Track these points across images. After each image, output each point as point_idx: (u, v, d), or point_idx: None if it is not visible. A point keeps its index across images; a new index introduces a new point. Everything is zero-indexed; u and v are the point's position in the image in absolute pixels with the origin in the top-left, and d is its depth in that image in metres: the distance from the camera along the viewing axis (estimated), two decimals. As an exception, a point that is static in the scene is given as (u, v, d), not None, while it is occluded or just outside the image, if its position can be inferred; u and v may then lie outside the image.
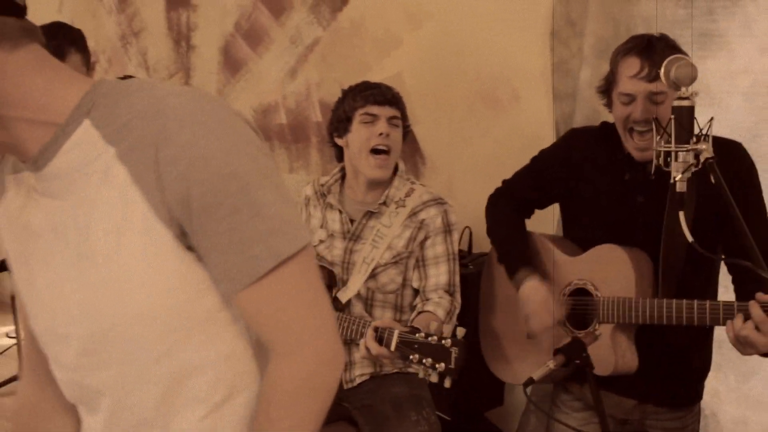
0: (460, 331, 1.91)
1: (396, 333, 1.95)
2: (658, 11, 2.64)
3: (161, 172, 0.94)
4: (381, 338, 1.99)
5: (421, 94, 3.18)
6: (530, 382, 1.70)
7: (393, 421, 2.21)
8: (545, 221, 2.46)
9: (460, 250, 2.90)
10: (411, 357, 1.91)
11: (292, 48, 3.48)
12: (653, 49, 1.87)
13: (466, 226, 2.90)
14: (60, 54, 2.54)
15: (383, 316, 2.28)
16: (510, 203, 2.20)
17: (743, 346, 1.72)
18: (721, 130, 2.58)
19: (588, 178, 2.03)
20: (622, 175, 1.98)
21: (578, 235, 2.08)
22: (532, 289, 2.00)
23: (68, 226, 1.00)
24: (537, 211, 2.30)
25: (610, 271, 1.92)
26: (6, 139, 0.99)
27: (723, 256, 1.90)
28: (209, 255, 0.98)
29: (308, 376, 1.01)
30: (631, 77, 1.88)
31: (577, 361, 1.72)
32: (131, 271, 0.97)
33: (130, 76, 1.76)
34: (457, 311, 2.27)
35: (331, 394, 1.04)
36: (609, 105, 2.02)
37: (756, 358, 2.69)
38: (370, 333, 2.01)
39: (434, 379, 1.92)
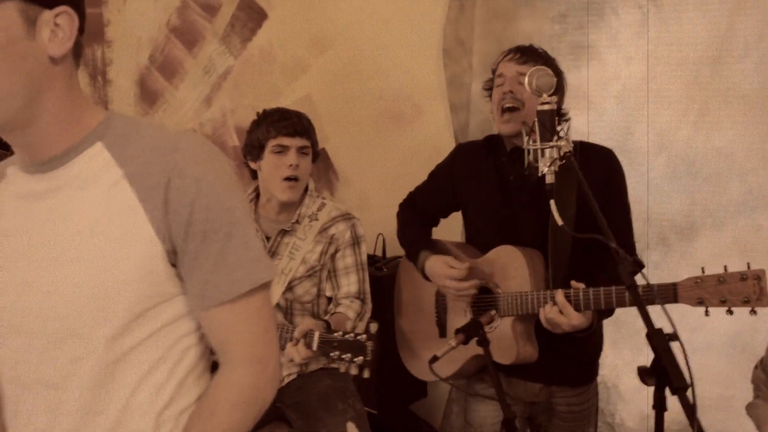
0: (374, 326, 2.08)
1: (316, 334, 2.11)
2: (536, 28, 2.93)
3: (169, 198, 1.13)
4: (306, 342, 2.14)
5: (330, 114, 3.39)
6: (434, 359, 1.89)
7: (321, 413, 2.38)
8: (455, 230, 2.66)
9: (374, 256, 3.12)
10: (332, 354, 2.07)
11: (206, 77, 3.64)
12: (526, 47, 2.14)
13: (380, 233, 3.11)
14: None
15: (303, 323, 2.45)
16: (417, 213, 2.39)
17: (552, 326, 1.95)
18: (599, 130, 2.90)
19: (477, 186, 2.23)
20: (507, 178, 2.18)
21: (478, 239, 2.27)
22: (434, 260, 2.19)
23: (56, 226, 1.16)
24: (447, 221, 2.49)
25: (508, 269, 2.11)
26: (32, 135, 1.16)
27: (590, 235, 2.05)
28: (194, 272, 1.16)
29: (255, 386, 1.21)
30: (504, 61, 2.14)
31: (476, 338, 1.92)
32: (118, 269, 1.13)
33: None
34: (368, 315, 2.44)
35: (266, 406, 1.23)
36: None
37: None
38: (290, 344, 2.17)
39: (354, 371, 2.08)
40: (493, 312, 2.08)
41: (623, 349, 2.93)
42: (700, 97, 2.74)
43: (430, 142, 3.12)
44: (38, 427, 1.18)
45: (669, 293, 1.77)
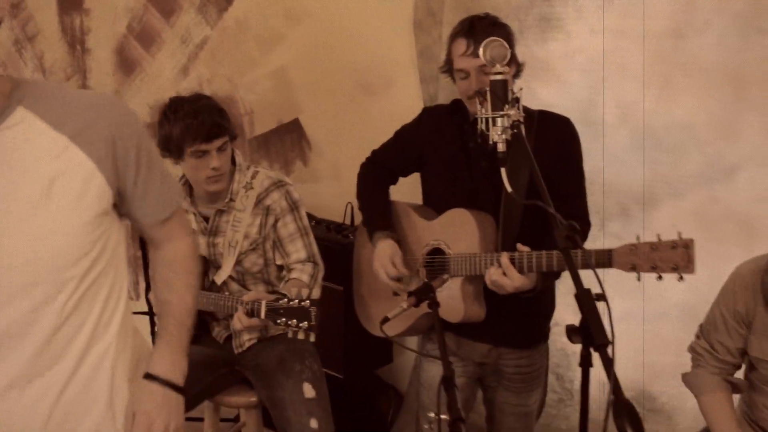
0: (317, 292, 2.16)
1: (263, 303, 2.19)
2: (504, 0, 2.96)
3: (117, 149, 1.38)
4: (252, 311, 2.22)
5: (304, 85, 3.44)
6: (385, 320, 1.95)
7: (279, 375, 2.46)
8: (416, 192, 2.73)
9: (343, 224, 3.18)
10: (279, 321, 2.15)
11: (183, 47, 3.68)
12: (475, 29, 2.14)
13: (349, 202, 3.17)
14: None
15: (257, 290, 2.52)
16: (376, 171, 2.45)
17: (496, 287, 2.01)
18: (563, 102, 2.95)
19: (438, 149, 2.29)
20: (468, 144, 2.23)
21: (434, 201, 2.33)
22: (382, 247, 2.26)
23: (7, 187, 1.31)
24: (409, 185, 2.55)
25: (459, 231, 2.17)
26: None
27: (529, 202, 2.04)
28: (148, 195, 1.49)
29: (194, 248, 1.66)
30: (461, 56, 2.15)
31: (427, 301, 1.99)
32: (77, 218, 1.36)
33: None
34: (322, 273, 2.52)
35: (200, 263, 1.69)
36: (454, 81, 2.29)
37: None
38: (238, 314, 2.26)
39: (301, 336, 2.16)
40: (445, 276, 2.15)
41: (577, 315, 2.99)
42: (661, 70, 2.79)
43: (401, 113, 3.12)
44: (1, 378, 1.32)
45: (605, 258, 1.83)
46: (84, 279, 1.38)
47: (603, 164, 2.90)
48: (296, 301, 2.12)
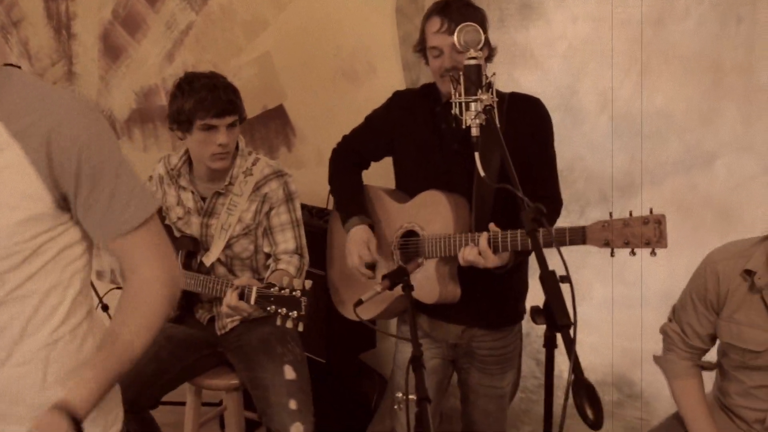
0: (308, 283, 2.14)
1: (254, 289, 2.19)
2: (485, -13, 2.97)
3: (52, 155, 1.28)
4: (242, 294, 2.22)
5: (288, 71, 3.45)
6: (359, 302, 1.97)
7: (261, 356, 2.48)
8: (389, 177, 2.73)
9: (325, 209, 3.20)
10: (269, 308, 2.15)
11: (168, 33, 3.68)
12: (450, 8, 2.14)
13: (331, 187, 3.18)
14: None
15: (243, 276, 2.53)
16: (348, 156, 2.47)
17: (468, 264, 2.03)
18: (545, 88, 2.96)
19: (410, 132, 2.30)
20: (440, 127, 2.24)
21: (407, 185, 2.34)
22: (356, 232, 2.28)
23: None
24: (381, 169, 2.56)
25: (433, 213, 2.19)
26: None
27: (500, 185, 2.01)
28: (90, 213, 1.34)
29: (165, 283, 1.43)
30: (435, 33, 2.15)
31: (400, 284, 2.01)
32: (13, 216, 1.29)
33: (11, 65, 1.96)
34: (306, 267, 2.53)
35: (175, 301, 1.47)
36: (427, 62, 2.30)
37: (585, 287, 3.10)
38: (230, 292, 2.24)
39: (290, 325, 2.15)
40: (420, 260, 2.17)
41: (564, 302, 3.02)
42: (641, 57, 2.80)
43: (384, 99, 3.17)
44: None
45: (578, 235, 1.85)
46: (7, 280, 1.32)
47: (583, 151, 2.92)
48: (287, 290, 2.12)
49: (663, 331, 2.24)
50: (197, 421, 2.81)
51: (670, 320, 2.23)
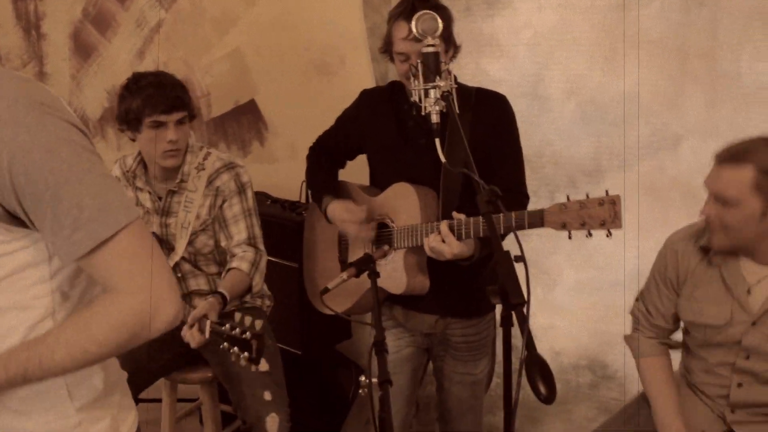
0: (258, 324, 2.03)
1: (208, 323, 2.15)
2: (450, -23, 2.98)
3: None
4: (199, 328, 2.18)
5: (259, 66, 3.46)
6: (325, 290, 1.99)
7: (235, 352, 2.48)
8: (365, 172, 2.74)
9: (298, 202, 3.21)
10: (222, 345, 2.08)
11: (139, 31, 3.68)
12: (416, 11, 2.06)
13: (303, 181, 3.19)
14: None
15: (209, 270, 2.55)
16: (323, 156, 2.49)
17: (435, 254, 2.04)
18: (512, 77, 2.99)
19: (378, 130, 2.32)
20: (407, 123, 2.26)
21: (379, 180, 2.36)
22: (335, 204, 2.30)
23: None
24: (357, 168, 2.57)
25: (402, 204, 2.22)
26: None
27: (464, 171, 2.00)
28: (43, 232, 1.17)
29: (137, 314, 1.19)
30: (402, 39, 2.14)
31: (367, 272, 2.02)
32: None
33: None
34: (264, 259, 2.53)
35: (149, 336, 1.21)
36: (392, 61, 2.31)
37: (557, 272, 3.12)
38: (188, 330, 2.20)
39: (243, 363, 2.04)
40: (386, 247, 2.19)
41: (536, 287, 3.05)
42: (607, 43, 2.83)
43: (354, 92, 3.15)
44: None
45: (537, 218, 1.87)
46: None
47: (551, 137, 2.94)
48: (238, 330, 2.04)
49: (632, 312, 2.28)
50: (174, 417, 2.82)
51: (637, 301, 2.27)
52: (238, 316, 2.09)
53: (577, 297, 3.08)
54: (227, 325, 2.07)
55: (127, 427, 1.39)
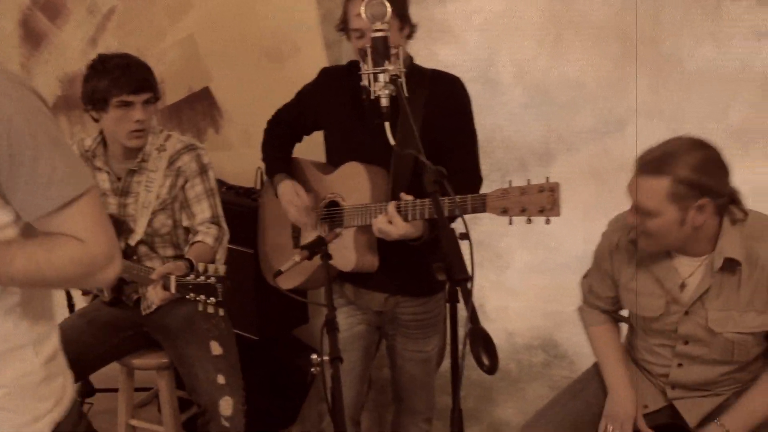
0: (222, 269, 2.19)
1: (173, 278, 2.23)
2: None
3: None
4: (164, 285, 2.26)
5: (213, 53, 3.45)
6: (278, 273, 2.02)
7: (186, 333, 2.51)
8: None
9: (254, 188, 3.22)
10: (189, 296, 2.21)
11: (90, 18, 3.63)
12: None
13: (259, 167, 3.20)
14: None
15: (165, 253, 2.57)
16: (279, 129, 2.52)
17: (383, 234, 2.09)
18: (463, 61, 3.03)
19: (335, 108, 2.35)
20: (362, 102, 2.29)
21: (334, 158, 2.40)
22: (286, 185, 2.34)
23: None
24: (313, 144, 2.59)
25: (353, 184, 2.25)
26: None
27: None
28: (13, 192, 1.30)
29: (92, 258, 1.36)
30: (357, 16, 2.18)
31: (319, 254, 2.05)
32: None
33: None
34: (227, 237, 2.57)
35: (97, 284, 1.46)
36: (349, 39, 2.34)
37: (509, 254, 3.19)
38: (153, 289, 2.29)
39: (210, 310, 2.21)
40: (338, 230, 2.23)
41: (488, 270, 3.11)
42: (554, 28, 2.89)
43: (307, 79, 3.18)
44: None
45: (479, 203, 1.91)
46: None
47: (502, 121, 2.99)
48: (203, 277, 2.16)
49: (580, 284, 2.34)
50: (131, 404, 2.82)
51: (585, 277, 2.34)
52: (201, 266, 2.18)
53: (529, 279, 3.15)
54: (191, 275, 2.17)
55: (72, 388, 1.54)
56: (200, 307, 2.20)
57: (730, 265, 1.96)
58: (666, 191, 1.89)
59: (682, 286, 2.04)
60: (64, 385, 1.50)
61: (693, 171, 1.87)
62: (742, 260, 1.94)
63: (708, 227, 1.96)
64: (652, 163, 1.94)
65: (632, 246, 2.11)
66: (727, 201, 1.97)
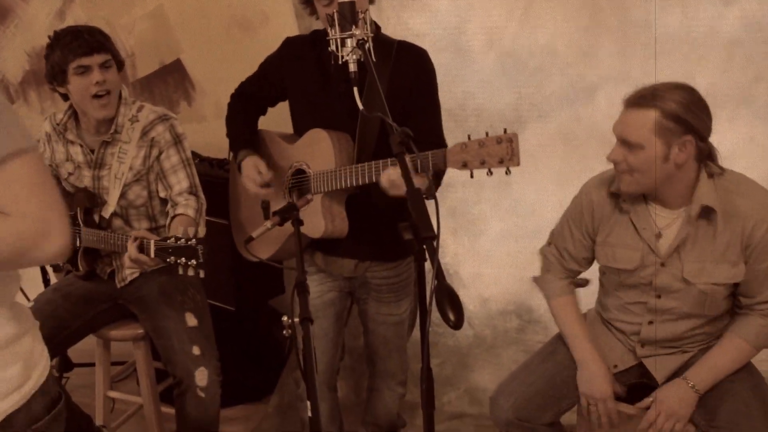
0: (202, 231, 2.19)
1: (152, 242, 2.19)
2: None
3: None
4: (141, 248, 2.22)
5: (182, 24, 3.42)
6: (249, 239, 2.03)
7: (162, 306, 2.51)
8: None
9: (226, 159, 3.22)
10: (169, 259, 2.17)
11: (57, -10, 3.59)
12: None
13: (230, 136, 3.20)
14: None
15: (141, 226, 2.56)
16: (243, 101, 2.51)
17: (394, 186, 2.02)
18: (434, 29, 3.03)
19: (300, 77, 2.35)
20: (328, 70, 2.29)
21: (300, 128, 2.39)
22: (246, 162, 2.34)
23: None
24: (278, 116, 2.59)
25: (317, 150, 2.25)
26: None
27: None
28: None
29: (20, 236, 1.26)
30: None
31: (291, 220, 2.06)
32: None
33: None
34: (205, 206, 2.56)
35: (33, 263, 1.30)
36: (313, 13, 2.33)
37: (482, 221, 3.21)
38: (131, 244, 2.22)
39: (191, 272, 2.17)
40: (309, 196, 2.23)
41: (463, 237, 3.14)
42: (524, -4, 2.90)
43: (279, 48, 3.19)
44: None
45: (440, 159, 1.92)
46: None
47: (473, 89, 3.01)
48: (183, 240, 2.14)
49: (542, 253, 2.36)
50: (108, 375, 2.83)
51: (549, 244, 2.36)
52: (180, 229, 2.17)
53: (503, 245, 3.18)
54: (171, 239, 2.15)
55: (38, 372, 1.46)
56: (180, 271, 2.16)
57: (707, 214, 2.02)
58: (652, 123, 1.94)
59: (659, 236, 2.09)
60: (23, 375, 1.42)
61: (679, 106, 1.93)
62: (718, 210, 2.00)
63: (687, 173, 2.01)
64: (640, 97, 1.99)
65: (612, 199, 2.16)
66: (707, 150, 2.02)
